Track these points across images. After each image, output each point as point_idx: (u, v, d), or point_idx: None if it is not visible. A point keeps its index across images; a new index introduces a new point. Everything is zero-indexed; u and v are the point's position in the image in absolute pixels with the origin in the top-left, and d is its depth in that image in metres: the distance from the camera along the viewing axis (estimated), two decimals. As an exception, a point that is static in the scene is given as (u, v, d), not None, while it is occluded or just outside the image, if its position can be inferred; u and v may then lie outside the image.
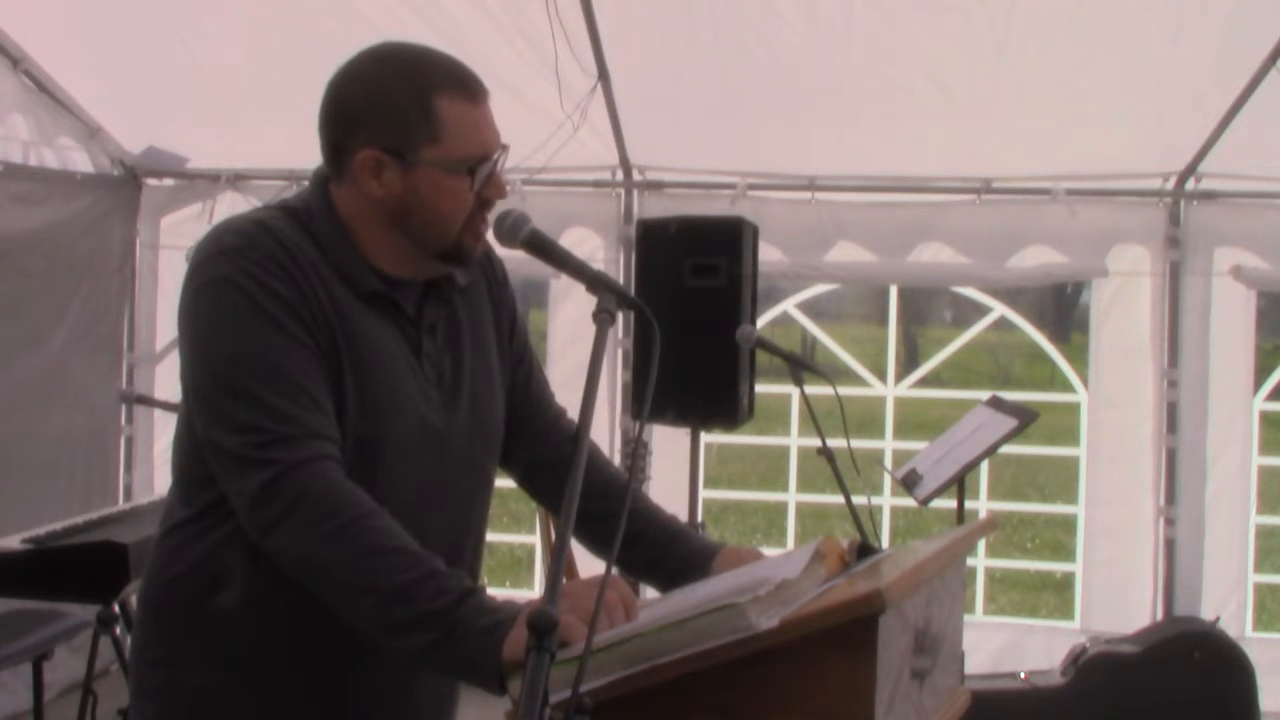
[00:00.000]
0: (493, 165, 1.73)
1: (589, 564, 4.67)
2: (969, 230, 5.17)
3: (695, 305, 4.01)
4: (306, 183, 1.80)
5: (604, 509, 1.77)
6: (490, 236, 1.73)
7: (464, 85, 1.71)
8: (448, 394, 1.79)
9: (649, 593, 2.58)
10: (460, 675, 1.58)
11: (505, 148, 1.75)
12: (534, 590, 5.82)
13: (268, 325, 1.62)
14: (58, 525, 3.34)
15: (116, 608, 3.42)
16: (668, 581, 1.89)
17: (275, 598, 1.68)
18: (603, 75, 4.62)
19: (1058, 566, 7.86)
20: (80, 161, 5.14)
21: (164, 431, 5.47)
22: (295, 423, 1.60)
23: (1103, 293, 5.23)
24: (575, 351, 4.98)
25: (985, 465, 4.71)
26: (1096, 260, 5.15)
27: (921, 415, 8.44)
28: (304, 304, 1.65)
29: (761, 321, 4.98)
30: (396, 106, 1.68)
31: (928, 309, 18.78)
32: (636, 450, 1.71)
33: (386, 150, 1.68)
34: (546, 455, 1.98)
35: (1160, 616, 5.05)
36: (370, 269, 1.74)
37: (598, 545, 1.89)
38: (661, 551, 1.89)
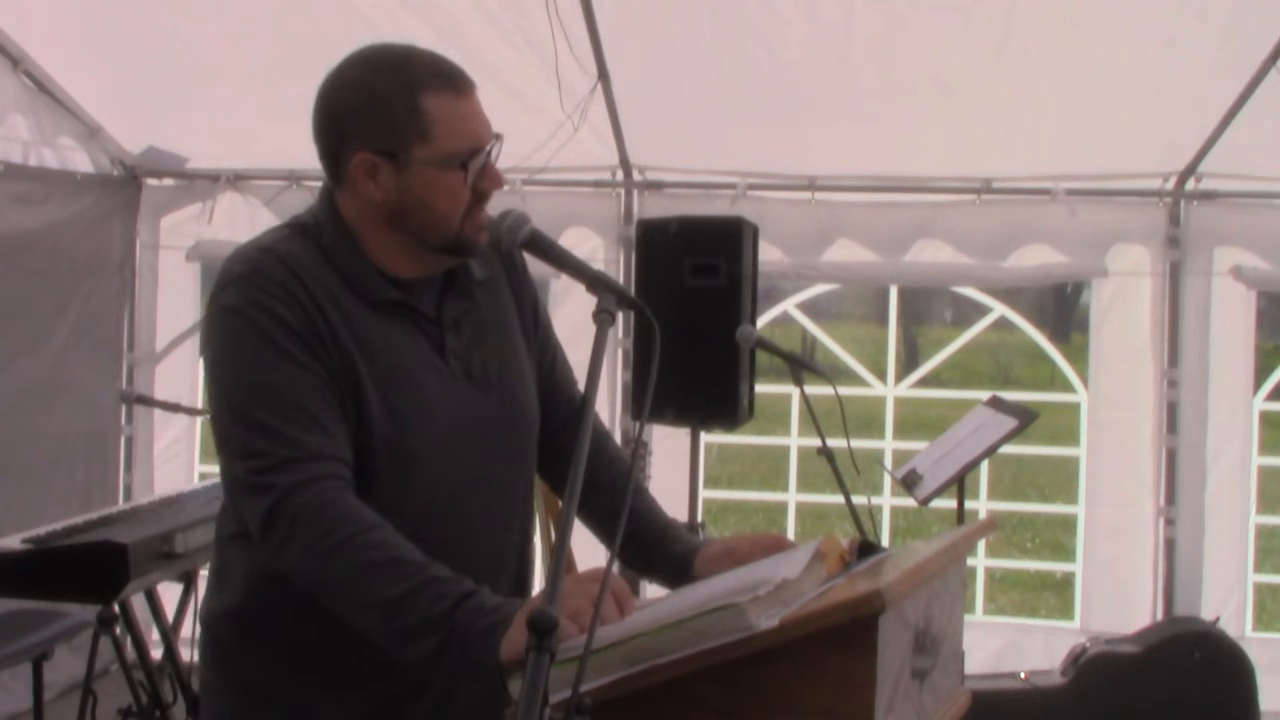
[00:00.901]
0: (486, 157, 1.73)
1: (588, 563, 4.67)
2: (969, 230, 5.17)
3: (695, 305, 4.00)
4: (305, 183, 1.81)
5: (606, 505, 1.81)
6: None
7: (448, 79, 1.71)
8: (478, 388, 1.80)
9: (649, 592, 2.58)
10: (466, 677, 1.59)
11: (499, 138, 1.75)
12: (534, 590, 5.81)
13: (272, 351, 1.65)
14: (58, 525, 3.33)
15: (116, 608, 3.41)
16: (664, 581, 1.91)
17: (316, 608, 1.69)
18: (603, 75, 4.62)
19: (1058, 566, 7.86)
20: (80, 161, 5.14)
21: (164, 431, 5.48)
22: (297, 446, 1.62)
23: (1103, 293, 5.23)
24: (575, 351, 4.94)
25: (985, 465, 4.70)
26: (1096, 260, 5.14)
27: (921, 415, 8.43)
28: (310, 327, 1.67)
29: (761, 321, 4.98)
30: (383, 108, 1.69)
31: (928, 309, 18.76)
32: (636, 450, 1.71)
33: (378, 152, 1.70)
34: (568, 443, 1.99)
35: (1160, 616, 5.05)
36: (381, 275, 1.75)
37: (600, 535, 1.93)
38: (651, 553, 1.91)
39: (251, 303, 1.67)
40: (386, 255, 1.76)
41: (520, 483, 1.89)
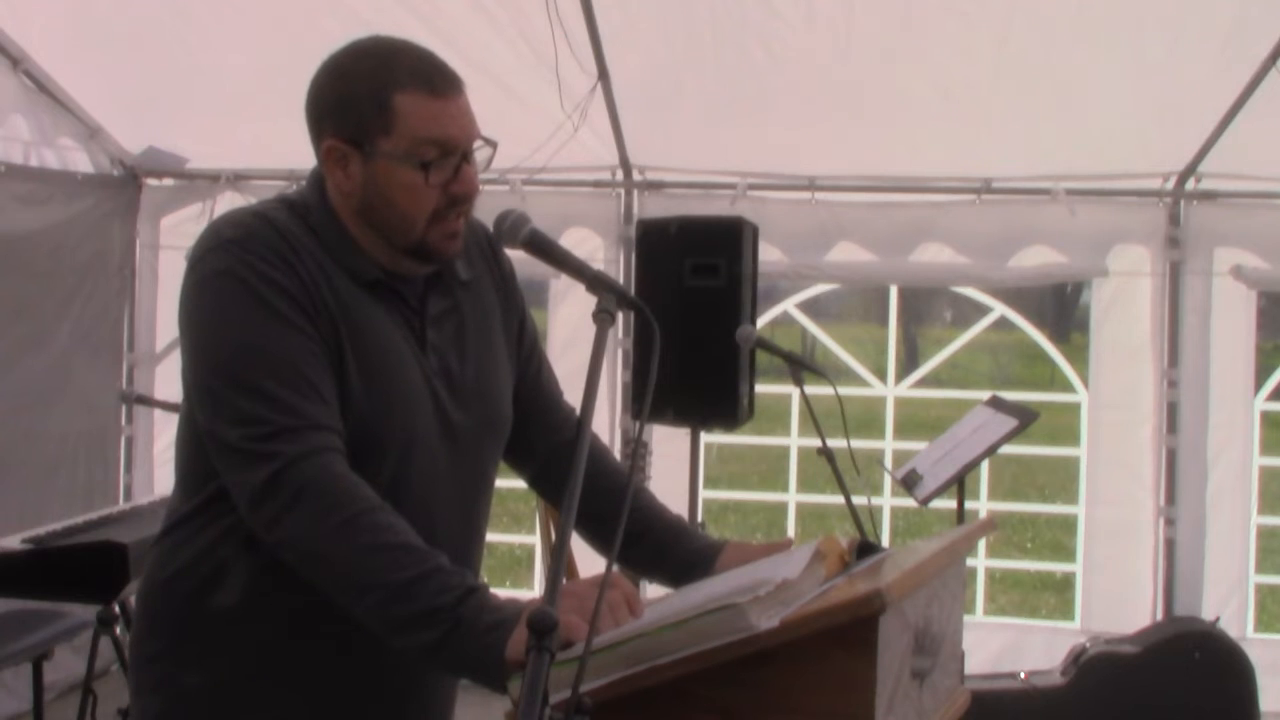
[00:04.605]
0: (457, 161, 1.70)
1: (589, 564, 4.67)
2: (969, 230, 5.17)
3: (695, 305, 4.00)
4: (305, 182, 1.81)
5: (608, 508, 1.74)
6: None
7: (426, 80, 1.69)
8: (454, 387, 1.78)
9: (650, 591, 2.57)
10: (463, 673, 1.58)
11: (491, 144, 1.74)
12: (534, 590, 5.82)
13: (269, 316, 1.62)
14: (58, 525, 3.34)
15: (116, 608, 3.42)
16: (672, 579, 1.88)
17: (272, 593, 1.68)
18: (603, 75, 4.62)
19: (1058, 567, 7.86)
20: (80, 162, 5.14)
21: (164, 431, 5.48)
22: (298, 414, 1.59)
23: (1103, 293, 5.23)
24: (575, 351, 4.98)
25: (985, 465, 4.70)
26: (1096, 260, 5.15)
27: (921, 415, 8.44)
28: (305, 294, 1.65)
29: (761, 321, 4.98)
30: (354, 98, 1.69)
31: (928, 309, 18.77)
32: (636, 450, 1.70)
33: (347, 141, 1.69)
34: (558, 452, 1.98)
35: (1160, 616, 5.05)
36: (369, 260, 1.74)
37: (601, 544, 1.89)
38: (665, 550, 1.88)
39: (247, 266, 1.63)
40: (370, 246, 1.74)
41: (484, 486, 1.87)
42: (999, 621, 6.03)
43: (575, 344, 5.04)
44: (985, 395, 4.50)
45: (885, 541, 4.87)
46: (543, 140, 4.57)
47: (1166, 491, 5.11)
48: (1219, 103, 4.58)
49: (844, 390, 2.98)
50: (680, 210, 4.66)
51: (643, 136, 5.06)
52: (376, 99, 1.67)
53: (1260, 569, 5.25)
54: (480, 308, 1.87)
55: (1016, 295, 5.77)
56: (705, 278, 4.04)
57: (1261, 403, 5.15)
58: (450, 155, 1.70)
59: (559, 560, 1.30)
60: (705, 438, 4.30)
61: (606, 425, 5.22)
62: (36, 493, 4.79)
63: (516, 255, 1.76)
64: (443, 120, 1.69)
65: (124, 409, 5.42)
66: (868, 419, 5.61)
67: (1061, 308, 16.80)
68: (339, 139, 1.70)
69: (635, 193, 5.32)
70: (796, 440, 5.65)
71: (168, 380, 5.40)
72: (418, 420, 1.73)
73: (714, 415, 4.09)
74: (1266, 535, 5.46)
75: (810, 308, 5.74)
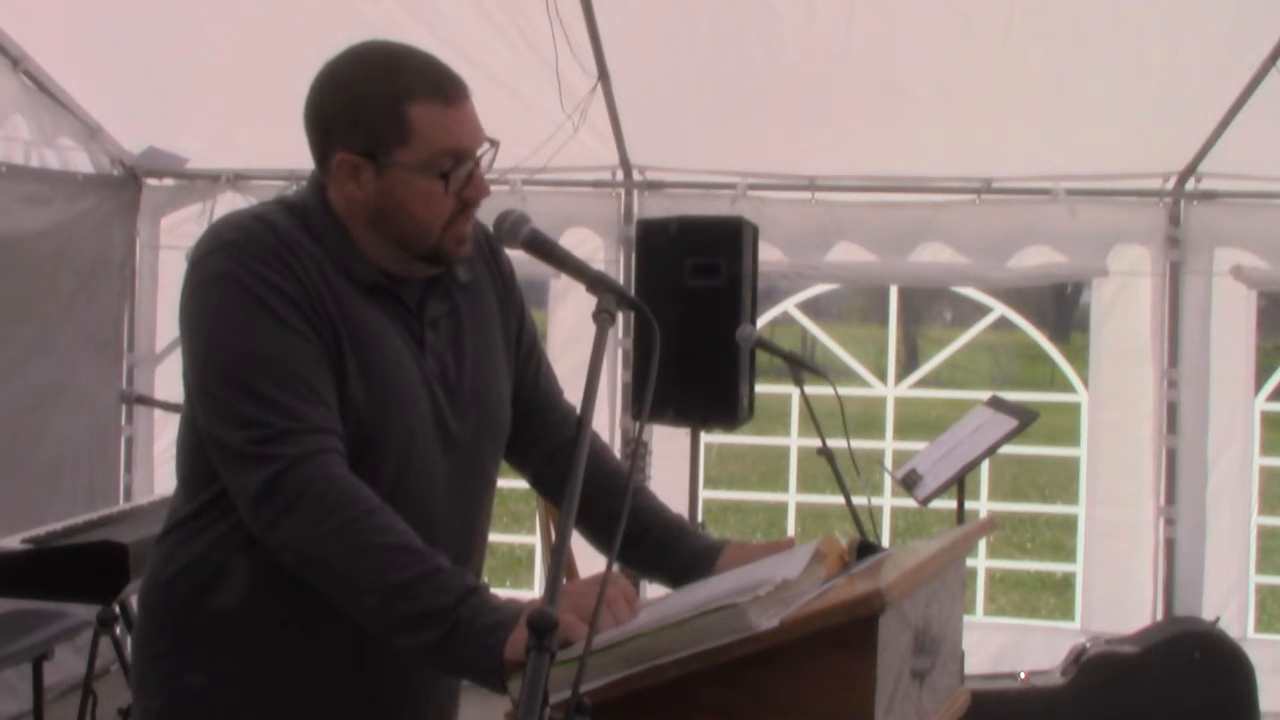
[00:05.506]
0: (471, 167, 1.71)
1: (589, 564, 4.67)
2: (969, 230, 5.16)
3: (695, 305, 4.00)
4: (305, 183, 1.81)
5: (608, 508, 1.76)
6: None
7: (437, 88, 1.69)
8: (452, 390, 1.79)
9: (650, 591, 2.57)
10: (463, 674, 1.58)
11: (494, 144, 1.74)
12: (534, 590, 5.82)
13: (269, 319, 1.63)
14: (58, 525, 3.34)
15: (116, 608, 3.42)
16: (673, 579, 1.88)
17: (272, 595, 1.69)
18: (603, 75, 4.62)
19: (1058, 567, 7.86)
20: (81, 162, 5.14)
21: (164, 431, 5.48)
22: (298, 417, 1.60)
23: (1103, 293, 5.23)
24: (575, 351, 4.97)
25: (985, 465, 4.70)
26: (1096, 260, 5.14)
27: (921, 415, 8.43)
28: (305, 297, 1.65)
29: (761, 321, 4.98)
30: (366, 112, 1.67)
31: (928, 309, 18.79)
32: (636, 450, 1.70)
33: (360, 153, 1.68)
34: (559, 451, 1.98)
35: (1160, 616, 5.05)
36: (368, 263, 1.74)
37: (602, 544, 1.89)
38: (665, 550, 1.88)
39: (247, 270, 1.63)
40: (372, 251, 1.74)
41: (484, 487, 1.88)
42: (999, 621, 6.03)
43: (575, 344, 5.04)
44: (985, 395, 4.50)
45: (885, 541, 4.87)
46: (543, 140, 4.57)
47: (1166, 491, 5.10)
48: (1219, 103, 4.57)
49: (844, 390, 2.98)
50: (680, 210, 4.66)
51: (643, 136, 5.06)
52: (390, 110, 1.66)
53: (1260, 569, 5.25)
54: (479, 309, 1.87)
55: (1016, 295, 5.77)
56: (705, 278, 4.04)
57: (1261, 403, 5.15)
58: (465, 162, 1.70)
59: (559, 560, 1.30)
60: (705, 438, 4.30)
61: (606, 425, 5.22)
62: (37, 493, 4.79)
63: (516, 255, 1.76)
64: (457, 130, 1.69)
65: (124, 409, 5.42)
66: (868, 419, 5.60)
67: (1061, 308, 16.82)
68: (351, 151, 1.68)
69: (635, 193, 5.31)
70: (796, 440, 5.64)
71: (168, 380, 5.40)
72: (416, 422, 1.73)
73: (714, 415, 4.09)
74: (1266, 535, 5.45)
75: (810, 308, 5.74)
